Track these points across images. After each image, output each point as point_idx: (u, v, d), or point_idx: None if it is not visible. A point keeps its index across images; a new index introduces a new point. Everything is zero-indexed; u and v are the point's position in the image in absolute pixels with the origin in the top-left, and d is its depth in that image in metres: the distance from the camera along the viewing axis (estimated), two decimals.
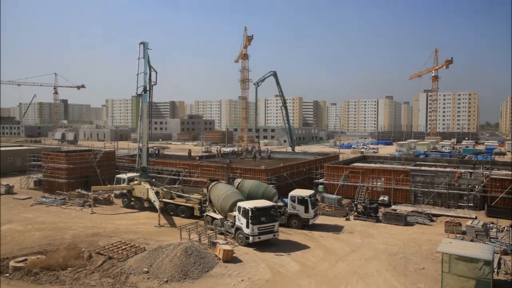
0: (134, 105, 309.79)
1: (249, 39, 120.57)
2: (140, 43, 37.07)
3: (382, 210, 33.30)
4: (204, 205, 31.15)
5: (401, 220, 30.48)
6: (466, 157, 73.39)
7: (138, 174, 37.47)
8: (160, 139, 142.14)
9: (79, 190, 40.41)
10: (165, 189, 34.86)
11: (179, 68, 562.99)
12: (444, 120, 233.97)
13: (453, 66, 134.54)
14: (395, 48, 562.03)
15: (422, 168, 46.05)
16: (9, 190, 42.84)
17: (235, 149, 72.32)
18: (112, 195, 39.52)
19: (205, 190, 31.78)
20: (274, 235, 25.15)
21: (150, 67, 38.37)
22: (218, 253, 22.28)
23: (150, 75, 38.76)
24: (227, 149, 71.48)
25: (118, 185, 37.96)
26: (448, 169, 44.58)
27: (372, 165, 46.70)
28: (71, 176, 42.88)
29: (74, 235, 27.22)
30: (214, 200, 29.12)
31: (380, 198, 36.59)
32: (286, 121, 75.20)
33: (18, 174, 52.35)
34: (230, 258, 22.01)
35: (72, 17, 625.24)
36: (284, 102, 74.79)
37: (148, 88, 36.96)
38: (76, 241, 25.64)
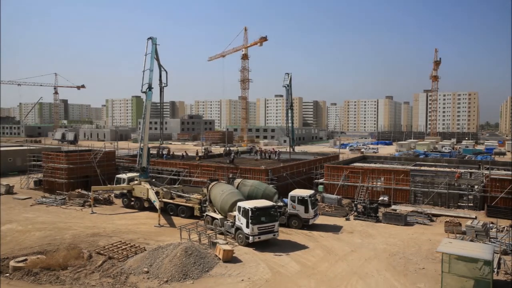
0: (134, 105, 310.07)
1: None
2: (148, 38, 36.04)
3: (382, 210, 33.29)
4: (204, 205, 31.14)
5: (401, 220, 30.48)
6: (466, 157, 73.36)
7: (138, 174, 37.43)
8: (160, 139, 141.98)
9: (79, 190, 40.40)
10: (165, 189, 34.83)
11: (179, 67, 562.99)
12: (444, 120, 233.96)
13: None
14: (395, 47, 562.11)
15: (422, 168, 46.05)
16: (9, 190, 42.84)
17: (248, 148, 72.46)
18: (112, 195, 39.52)
19: (205, 190, 31.77)
20: (274, 235, 25.16)
21: (160, 65, 37.54)
22: (218, 253, 22.28)
23: (160, 75, 38.01)
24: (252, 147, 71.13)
25: (118, 185, 37.92)
26: (448, 169, 44.58)
27: (372, 165, 46.70)
28: (71, 176, 42.88)
29: (74, 235, 27.22)
30: (214, 200, 29.12)
31: (380, 198, 36.58)
32: (290, 123, 74.97)
33: (18, 174, 52.39)
34: (230, 258, 22.01)
35: (72, 17, 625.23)
36: (291, 105, 74.75)
37: (153, 86, 35.99)
38: (76, 241, 25.64)
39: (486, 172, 37.84)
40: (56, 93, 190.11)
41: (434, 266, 21.33)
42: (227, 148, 60.17)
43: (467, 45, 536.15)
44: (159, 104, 41.72)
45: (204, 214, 30.12)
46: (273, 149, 61.82)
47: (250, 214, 24.15)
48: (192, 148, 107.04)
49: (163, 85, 38.78)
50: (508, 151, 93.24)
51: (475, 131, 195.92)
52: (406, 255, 23.43)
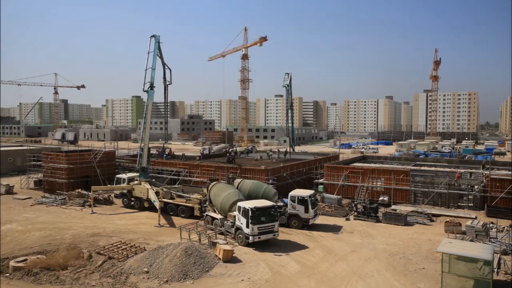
0: (134, 105, 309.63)
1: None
2: (151, 36, 35.80)
3: (382, 210, 33.29)
4: (204, 205, 31.14)
5: (401, 220, 30.48)
6: (466, 157, 73.34)
7: (138, 174, 37.40)
8: (160, 139, 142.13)
9: (79, 190, 40.38)
10: (165, 189, 34.82)
11: (179, 67, 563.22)
12: (444, 120, 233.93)
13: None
14: (395, 47, 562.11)
15: (422, 168, 46.03)
16: (9, 190, 42.84)
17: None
18: (112, 195, 39.51)
19: (205, 190, 31.77)
20: (274, 235, 25.16)
21: (163, 63, 37.25)
22: (218, 253, 22.28)
23: (164, 73, 37.75)
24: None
25: (118, 185, 37.91)
26: (448, 169, 44.55)
27: (372, 165, 46.69)
28: (71, 176, 42.85)
29: (74, 235, 27.22)
30: (214, 200, 29.12)
31: (380, 198, 36.57)
32: (290, 123, 75.05)
33: (18, 174, 52.36)
34: (230, 258, 22.01)
35: (72, 17, 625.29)
36: (291, 105, 74.92)
37: (155, 85, 35.82)
38: (76, 241, 25.64)
39: (486, 172, 37.84)
40: (56, 93, 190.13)
41: (434, 266, 21.33)
42: (226, 149, 60.18)
43: (467, 45, 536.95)
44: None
45: (204, 214, 30.11)
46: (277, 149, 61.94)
47: (250, 214, 24.15)
48: (192, 148, 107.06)
49: (167, 83, 38.51)
50: (508, 151, 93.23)
51: (475, 131, 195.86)
52: (406, 255, 23.43)
